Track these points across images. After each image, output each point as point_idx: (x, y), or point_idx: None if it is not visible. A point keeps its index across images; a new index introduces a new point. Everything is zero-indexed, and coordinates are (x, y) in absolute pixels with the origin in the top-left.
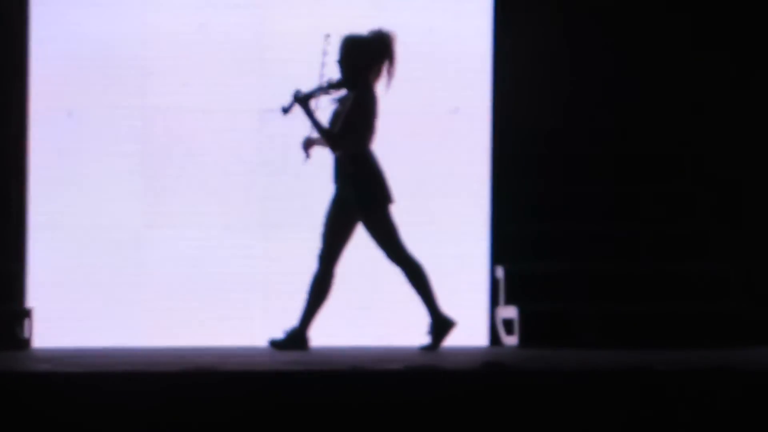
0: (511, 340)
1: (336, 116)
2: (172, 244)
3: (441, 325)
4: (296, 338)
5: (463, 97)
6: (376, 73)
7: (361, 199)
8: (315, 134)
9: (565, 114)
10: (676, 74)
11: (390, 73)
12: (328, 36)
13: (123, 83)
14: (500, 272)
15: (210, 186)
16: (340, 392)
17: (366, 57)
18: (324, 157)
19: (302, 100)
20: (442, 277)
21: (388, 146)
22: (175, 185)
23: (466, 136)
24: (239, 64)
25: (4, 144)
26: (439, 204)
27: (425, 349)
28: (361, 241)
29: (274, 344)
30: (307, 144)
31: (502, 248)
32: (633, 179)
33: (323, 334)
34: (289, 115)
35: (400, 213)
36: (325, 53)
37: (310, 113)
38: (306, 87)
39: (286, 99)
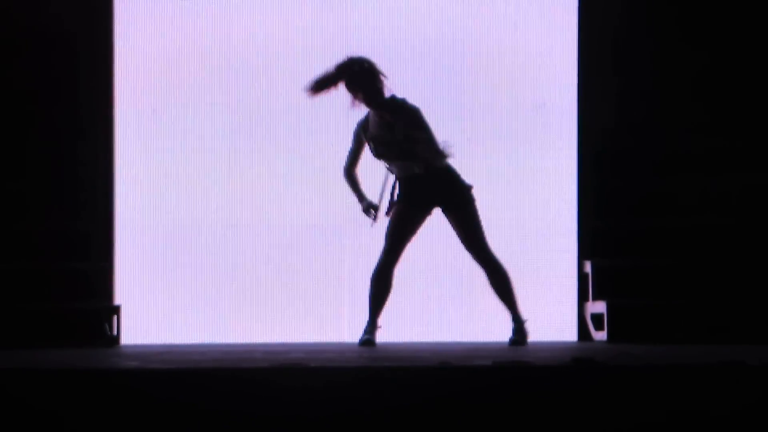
0: (600, 336)
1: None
2: (258, 241)
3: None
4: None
5: (549, 93)
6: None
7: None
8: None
9: (651, 108)
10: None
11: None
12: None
13: (208, 80)
14: (588, 267)
15: (297, 182)
16: (429, 388)
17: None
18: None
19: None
20: (531, 273)
21: (475, 142)
22: (262, 182)
23: (553, 131)
24: (327, 62)
25: (90, 143)
26: (527, 200)
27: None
28: (447, 237)
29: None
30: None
31: (590, 243)
32: (722, 172)
33: (410, 330)
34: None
35: (486, 209)
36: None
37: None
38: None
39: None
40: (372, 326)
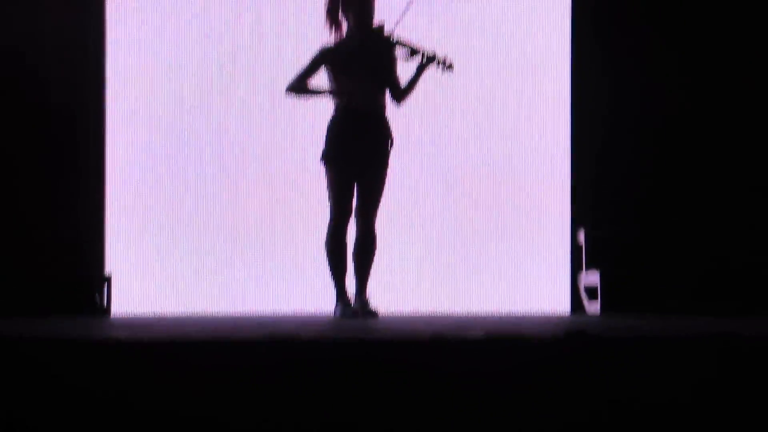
0: (593, 306)
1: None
2: (246, 211)
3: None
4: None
5: (541, 52)
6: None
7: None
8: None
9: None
10: None
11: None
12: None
13: (199, 22)
14: (582, 236)
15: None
16: (421, 361)
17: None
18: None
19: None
20: (524, 243)
21: (466, 99)
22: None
23: (546, 92)
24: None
25: (78, 94)
26: (520, 168)
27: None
28: (437, 209)
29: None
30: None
31: (584, 212)
32: (720, 140)
33: (404, 301)
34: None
35: (481, 175)
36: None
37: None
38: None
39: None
40: (342, 294)
